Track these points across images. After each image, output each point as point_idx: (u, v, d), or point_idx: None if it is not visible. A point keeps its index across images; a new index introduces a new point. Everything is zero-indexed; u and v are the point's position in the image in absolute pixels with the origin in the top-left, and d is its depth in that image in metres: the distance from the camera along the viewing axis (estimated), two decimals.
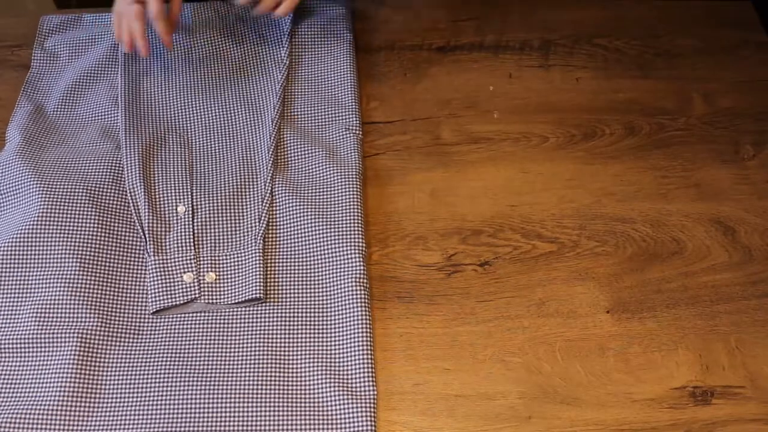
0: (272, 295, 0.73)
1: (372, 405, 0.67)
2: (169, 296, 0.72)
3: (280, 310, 0.72)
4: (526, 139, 0.86)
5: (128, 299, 0.73)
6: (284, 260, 0.75)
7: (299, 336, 0.71)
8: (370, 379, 0.68)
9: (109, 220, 0.77)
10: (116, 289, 0.73)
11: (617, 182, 0.83)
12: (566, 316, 0.74)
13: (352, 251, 0.75)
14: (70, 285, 0.72)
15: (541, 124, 0.87)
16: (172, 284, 0.72)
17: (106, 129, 0.85)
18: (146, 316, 0.72)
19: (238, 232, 0.76)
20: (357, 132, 0.84)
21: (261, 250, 0.74)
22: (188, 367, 0.68)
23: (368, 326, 0.71)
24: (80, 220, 0.76)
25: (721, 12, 0.98)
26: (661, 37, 0.96)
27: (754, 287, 0.76)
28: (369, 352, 0.69)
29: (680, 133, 0.87)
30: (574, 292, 0.75)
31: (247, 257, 0.74)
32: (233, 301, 0.72)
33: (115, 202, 0.78)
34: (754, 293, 0.75)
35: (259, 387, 0.67)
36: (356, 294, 0.72)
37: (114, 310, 0.72)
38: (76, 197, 0.77)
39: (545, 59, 0.93)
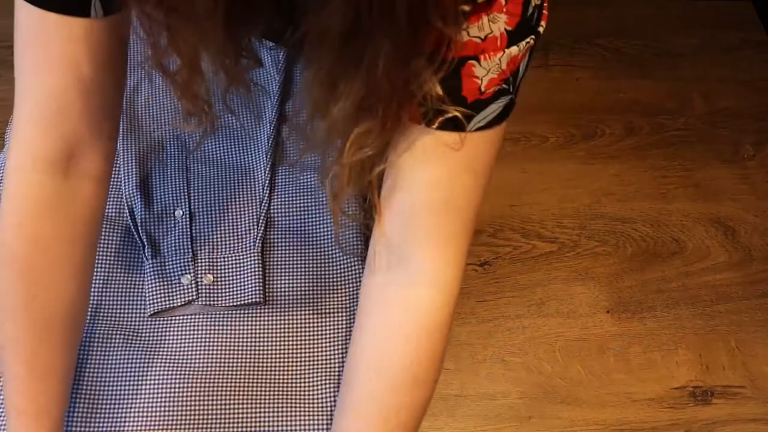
0: (270, 298, 0.72)
1: None
2: (167, 298, 0.72)
3: (278, 313, 0.72)
4: (526, 139, 0.86)
5: (126, 302, 0.73)
6: (283, 263, 0.75)
7: (298, 339, 0.70)
8: None
9: (106, 224, 0.76)
10: (113, 293, 0.73)
11: (617, 182, 0.83)
12: (566, 316, 0.74)
13: (352, 254, 0.74)
14: None
15: (541, 124, 0.87)
16: (170, 286, 0.72)
17: None
18: (145, 318, 0.72)
19: (236, 235, 0.76)
20: None
21: (260, 253, 0.74)
22: (187, 368, 0.68)
23: None
24: None
25: (721, 12, 0.98)
26: (661, 37, 0.96)
27: (754, 287, 0.76)
28: None
29: (680, 133, 0.87)
30: (574, 292, 0.75)
31: (245, 260, 0.74)
32: (231, 304, 0.72)
33: (112, 207, 0.78)
34: (754, 293, 0.75)
35: (258, 388, 0.67)
36: (356, 297, 0.72)
37: (112, 313, 0.72)
38: None
39: (545, 59, 0.93)
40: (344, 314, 0.74)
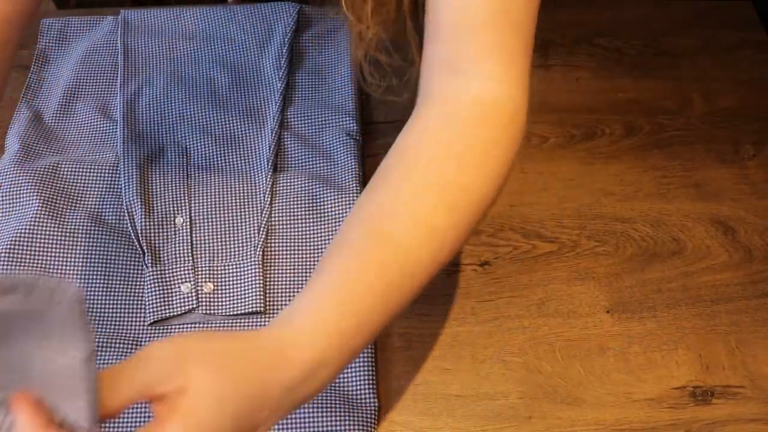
0: (271, 307, 0.72)
1: (373, 417, 0.66)
2: (166, 307, 0.71)
3: None
4: (526, 139, 0.85)
5: (126, 311, 0.72)
6: (283, 271, 0.74)
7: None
8: (372, 391, 0.68)
9: (106, 231, 0.76)
10: (113, 301, 0.73)
11: (617, 182, 0.83)
12: (566, 316, 0.74)
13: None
14: None
15: (541, 124, 0.87)
16: (169, 295, 0.72)
17: (106, 138, 0.84)
18: (144, 327, 0.71)
19: (236, 243, 0.76)
20: (357, 137, 0.84)
21: (260, 262, 0.74)
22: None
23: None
24: (77, 232, 0.75)
25: (721, 12, 0.98)
26: (661, 37, 0.96)
27: (754, 287, 0.76)
28: (370, 363, 0.69)
29: (680, 133, 0.87)
30: (574, 292, 0.75)
31: (245, 268, 0.74)
32: (232, 313, 0.72)
33: (112, 214, 0.77)
34: (754, 293, 0.75)
35: None
36: None
37: (112, 321, 0.72)
38: (74, 210, 0.77)
39: (545, 59, 0.93)
40: None
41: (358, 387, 0.68)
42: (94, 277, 0.73)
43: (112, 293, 0.73)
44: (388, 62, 0.54)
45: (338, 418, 0.66)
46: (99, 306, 0.72)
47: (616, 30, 0.96)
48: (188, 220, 0.77)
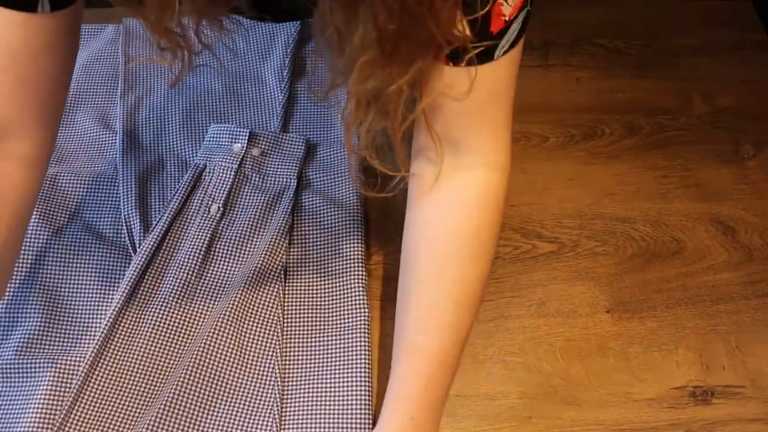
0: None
1: (371, 417, 0.66)
2: None
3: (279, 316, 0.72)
4: (526, 139, 0.86)
5: None
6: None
7: (297, 341, 0.70)
8: (369, 391, 0.67)
9: (103, 244, 0.74)
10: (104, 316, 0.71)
11: (617, 182, 0.83)
12: (566, 316, 0.74)
13: (352, 254, 0.74)
14: (62, 310, 0.71)
15: (541, 124, 0.87)
16: None
17: (105, 149, 0.82)
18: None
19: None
20: (357, 151, 0.83)
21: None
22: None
23: (366, 341, 0.70)
24: (74, 245, 0.74)
25: (721, 12, 0.98)
26: (661, 37, 0.96)
27: (754, 287, 0.76)
28: (368, 363, 0.68)
29: (680, 133, 0.87)
30: (574, 292, 0.75)
31: None
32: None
33: (110, 227, 0.76)
34: (754, 293, 0.75)
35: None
36: (356, 302, 0.72)
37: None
38: (71, 222, 0.75)
39: (545, 59, 0.93)
40: (345, 318, 0.73)
41: (357, 387, 0.68)
42: (89, 291, 0.72)
43: (107, 308, 0.71)
44: (380, 166, 0.60)
45: (336, 419, 0.66)
46: (94, 320, 0.71)
47: (616, 30, 0.96)
48: None
